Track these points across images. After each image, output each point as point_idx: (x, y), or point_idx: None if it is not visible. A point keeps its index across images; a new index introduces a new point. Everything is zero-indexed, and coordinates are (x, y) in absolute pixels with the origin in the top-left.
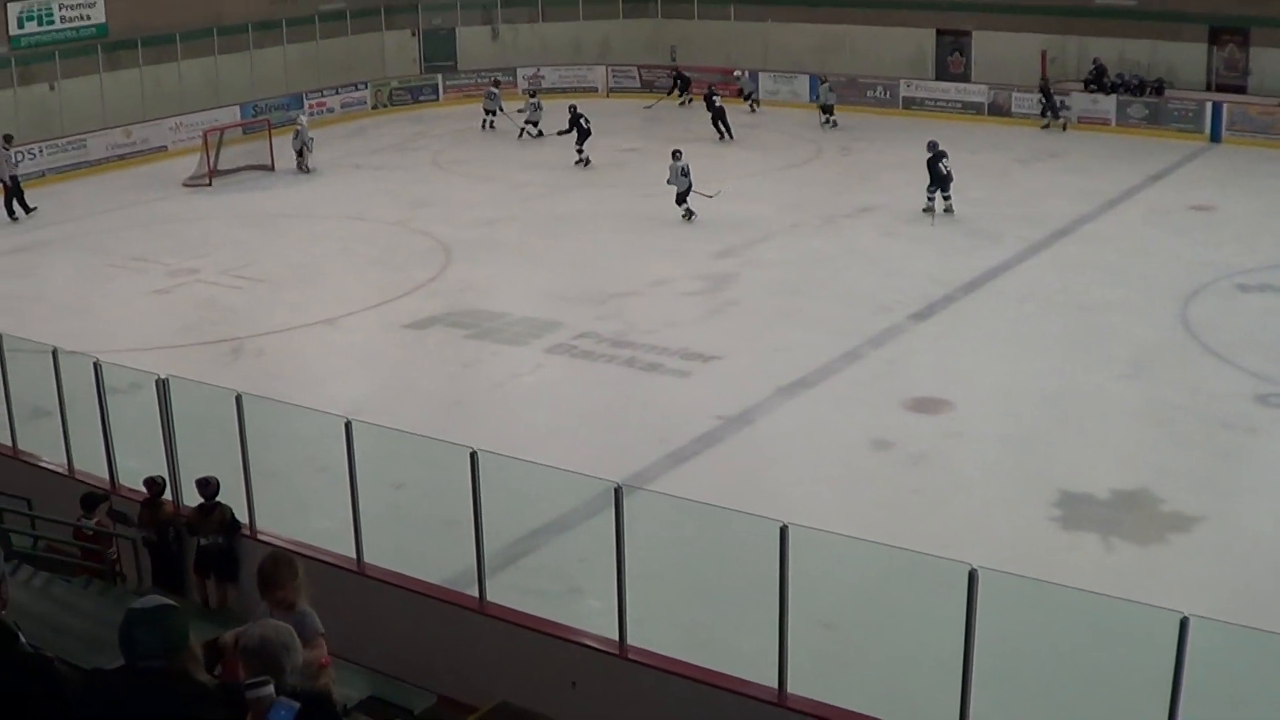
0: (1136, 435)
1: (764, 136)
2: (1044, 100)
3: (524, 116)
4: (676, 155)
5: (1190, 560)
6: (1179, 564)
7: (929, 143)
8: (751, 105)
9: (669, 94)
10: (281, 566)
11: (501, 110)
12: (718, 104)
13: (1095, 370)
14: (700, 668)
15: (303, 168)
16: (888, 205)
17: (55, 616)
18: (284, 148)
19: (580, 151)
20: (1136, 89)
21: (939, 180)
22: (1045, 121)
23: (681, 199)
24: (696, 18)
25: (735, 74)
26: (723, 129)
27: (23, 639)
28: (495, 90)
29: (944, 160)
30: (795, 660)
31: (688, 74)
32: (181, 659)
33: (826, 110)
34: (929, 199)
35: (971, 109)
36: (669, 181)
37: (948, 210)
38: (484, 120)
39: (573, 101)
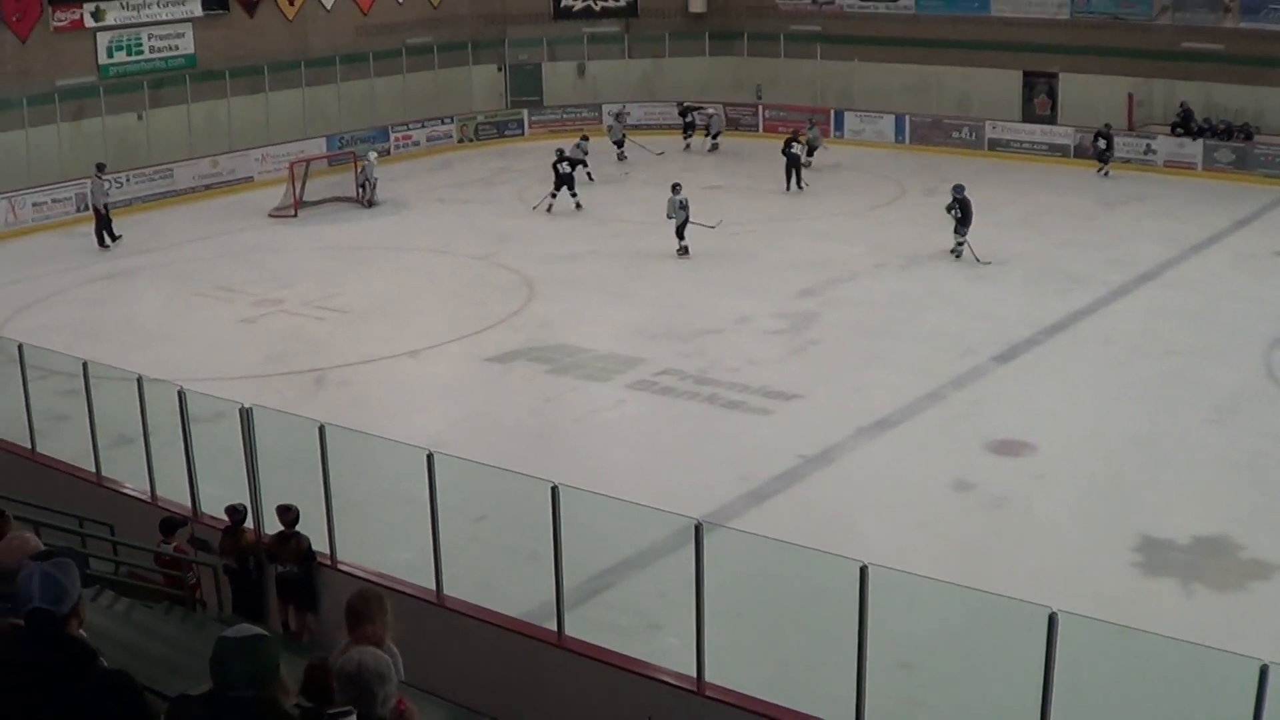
0: (1219, 481)
1: (847, 177)
2: (1104, 144)
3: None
4: (675, 189)
5: (1271, 608)
6: (1259, 611)
7: (957, 185)
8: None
9: (683, 133)
10: (372, 603)
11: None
12: (793, 151)
13: (1179, 415)
14: (778, 706)
15: (364, 202)
16: (972, 246)
17: (136, 642)
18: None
19: (565, 196)
20: (1224, 133)
21: (969, 220)
22: (1101, 168)
23: (680, 232)
24: (783, 56)
25: (710, 111)
26: (791, 179)
27: (102, 659)
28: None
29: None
30: (873, 701)
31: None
32: (272, 689)
33: (810, 151)
34: (961, 241)
35: (1057, 151)
36: (669, 215)
37: (957, 251)
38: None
39: (559, 145)
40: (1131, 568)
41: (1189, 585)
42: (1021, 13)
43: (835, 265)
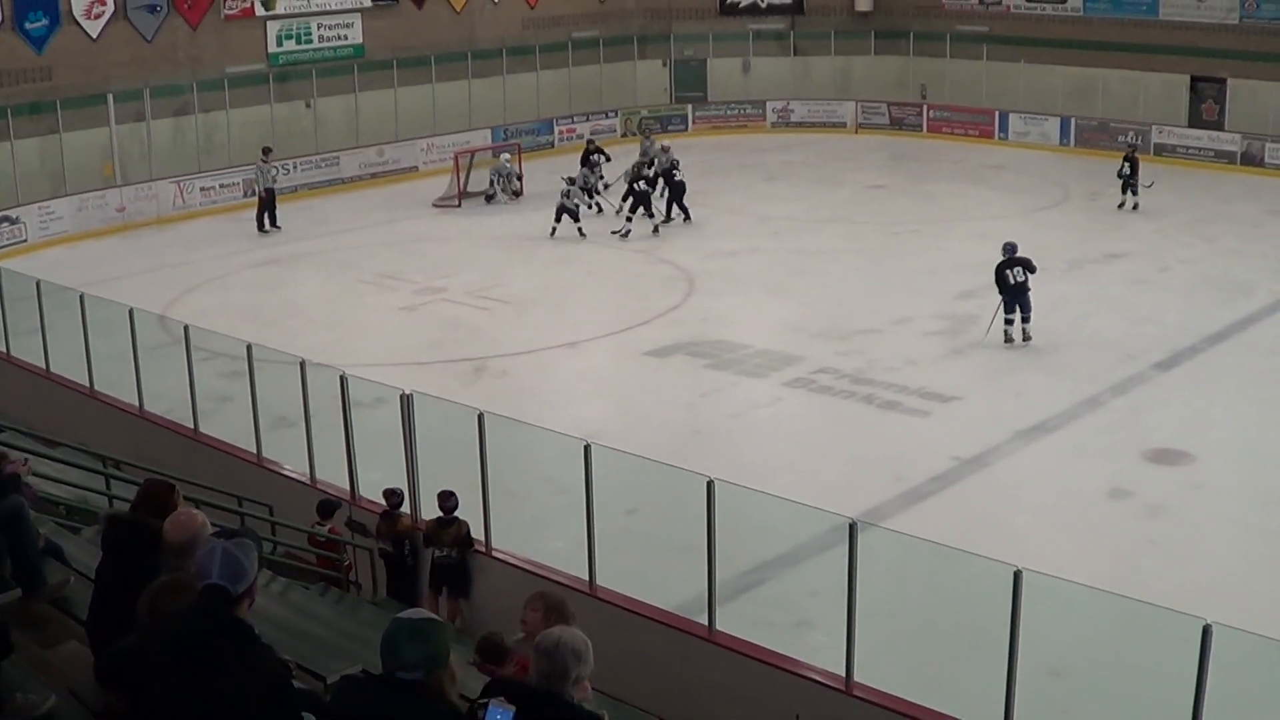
0: None
1: (1010, 179)
2: (1129, 170)
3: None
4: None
5: None
6: None
7: (1004, 245)
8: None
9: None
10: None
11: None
12: (677, 179)
13: None
14: (926, 708)
15: (489, 198)
16: (1136, 253)
17: (292, 622)
18: (534, 171)
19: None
20: None
21: (1007, 292)
22: (1122, 199)
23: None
24: (948, 56)
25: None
26: (677, 209)
27: (266, 645)
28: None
29: (1016, 269)
30: (1022, 707)
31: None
32: (439, 676)
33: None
34: (1006, 320)
35: (1224, 158)
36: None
37: (1025, 338)
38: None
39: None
40: None
41: None
42: (1190, 16)
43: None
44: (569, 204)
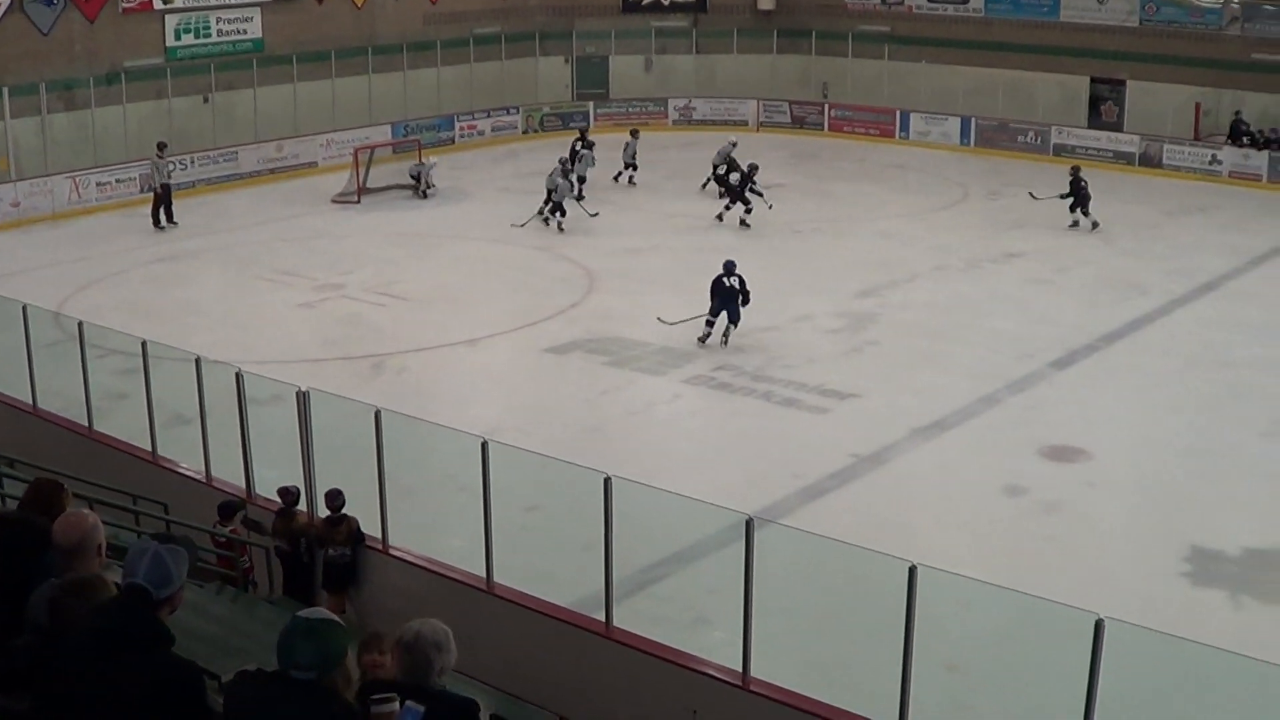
0: (1273, 495)
1: (910, 178)
2: (1074, 195)
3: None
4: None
5: None
6: None
7: (725, 262)
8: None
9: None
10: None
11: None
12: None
13: (1235, 427)
14: (822, 704)
15: (419, 193)
16: (1034, 252)
17: (187, 620)
18: (434, 169)
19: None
20: (1276, 144)
21: (719, 294)
22: (1074, 218)
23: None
24: (850, 56)
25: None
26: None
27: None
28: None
29: (733, 279)
30: (918, 701)
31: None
32: (333, 676)
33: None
34: (708, 322)
35: (1123, 159)
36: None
37: (724, 341)
38: (619, 174)
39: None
40: (1181, 578)
41: (1238, 597)
42: (1090, 18)
43: (896, 266)
44: (559, 197)
